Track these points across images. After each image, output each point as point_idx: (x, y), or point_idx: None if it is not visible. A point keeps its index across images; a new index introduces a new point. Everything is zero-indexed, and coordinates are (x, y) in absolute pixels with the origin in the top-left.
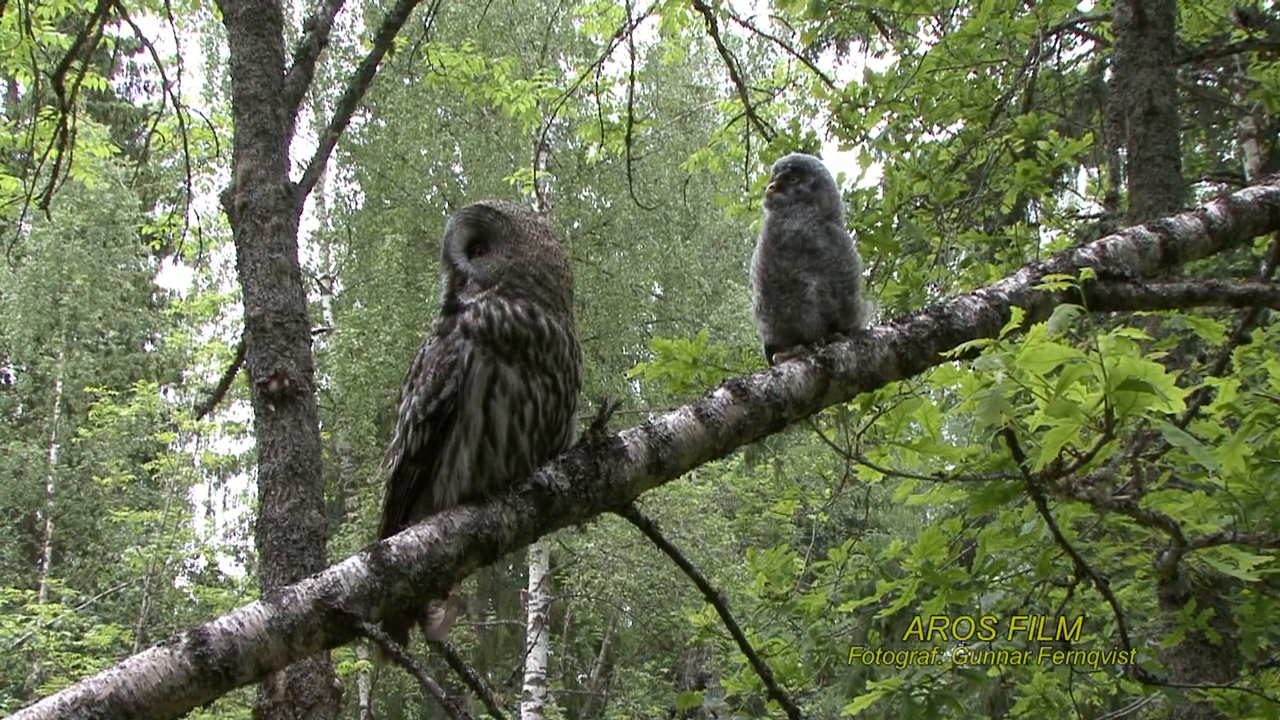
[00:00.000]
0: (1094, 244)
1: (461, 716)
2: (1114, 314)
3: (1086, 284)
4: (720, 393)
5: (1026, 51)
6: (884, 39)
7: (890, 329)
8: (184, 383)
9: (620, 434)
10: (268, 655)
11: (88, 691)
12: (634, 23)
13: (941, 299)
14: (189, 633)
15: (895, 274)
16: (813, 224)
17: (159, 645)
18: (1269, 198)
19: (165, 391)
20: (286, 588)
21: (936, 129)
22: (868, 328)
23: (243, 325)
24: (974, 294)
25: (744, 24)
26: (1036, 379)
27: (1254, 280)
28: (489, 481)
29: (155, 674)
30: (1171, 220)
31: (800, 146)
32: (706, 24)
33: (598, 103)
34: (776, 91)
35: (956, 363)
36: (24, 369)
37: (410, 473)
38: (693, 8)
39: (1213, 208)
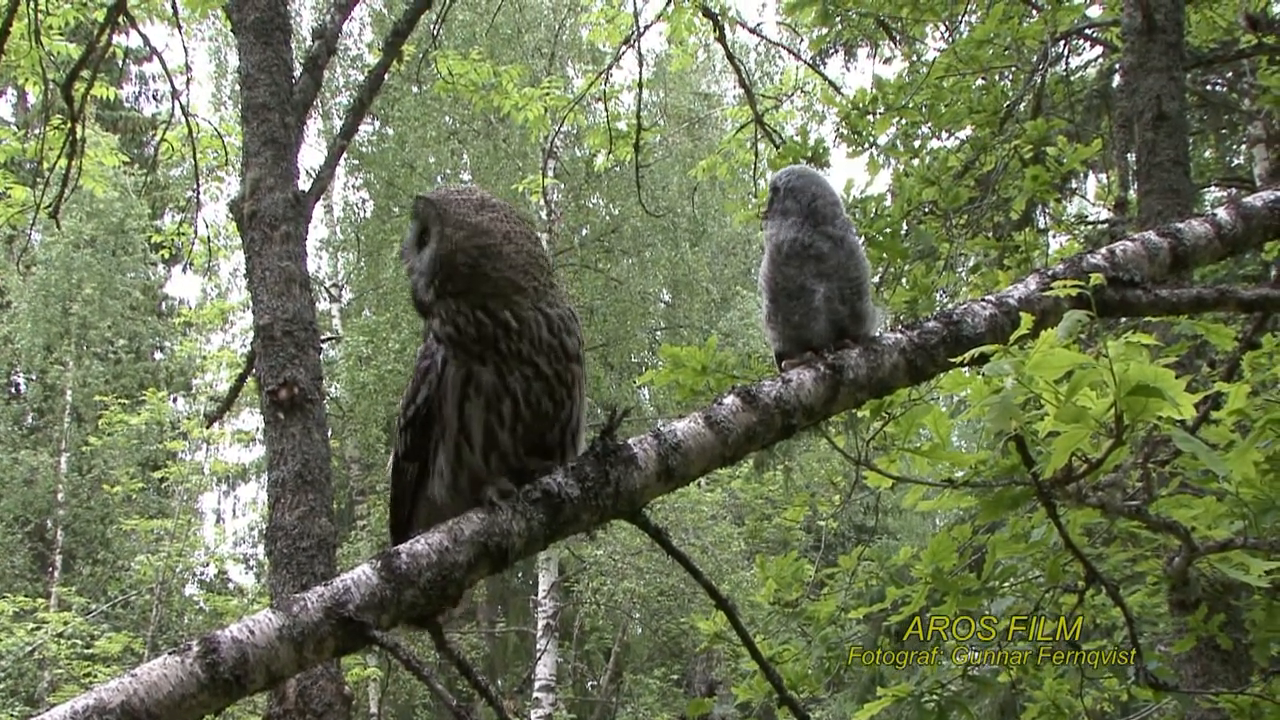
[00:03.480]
0: (1103, 249)
1: None
2: (1123, 320)
3: (1096, 290)
4: (729, 400)
5: (1035, 57)
6: (892, 45)
7: (899, 335)
8: (193, 391)
9: (630, 441)
10: (278, 663)
11: (99, 699)
12: (642, 30)
13: (951, 305)
14: (200, 640)
15: (904, 280)
16: (808, 231)
17: (170, 653)
18: (1279, 203)
19: (175, 400)
20: (297, 595)
21: (945, 135)
22: (877, 334)
23: (252, 333)
24: (983, 300)
25: (752, 31)
26: (1046, 385)
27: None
28: (469, 477)
29: (166, 682)
30: (1181, 226)
31: (809, 153)
32: (714, 31)
33: (606, 110)
34: (785, 98)
35: (966, 369)
36: (34, 378)
37: (406, 469)
38: (701, 15)
39: (1222, 213)
